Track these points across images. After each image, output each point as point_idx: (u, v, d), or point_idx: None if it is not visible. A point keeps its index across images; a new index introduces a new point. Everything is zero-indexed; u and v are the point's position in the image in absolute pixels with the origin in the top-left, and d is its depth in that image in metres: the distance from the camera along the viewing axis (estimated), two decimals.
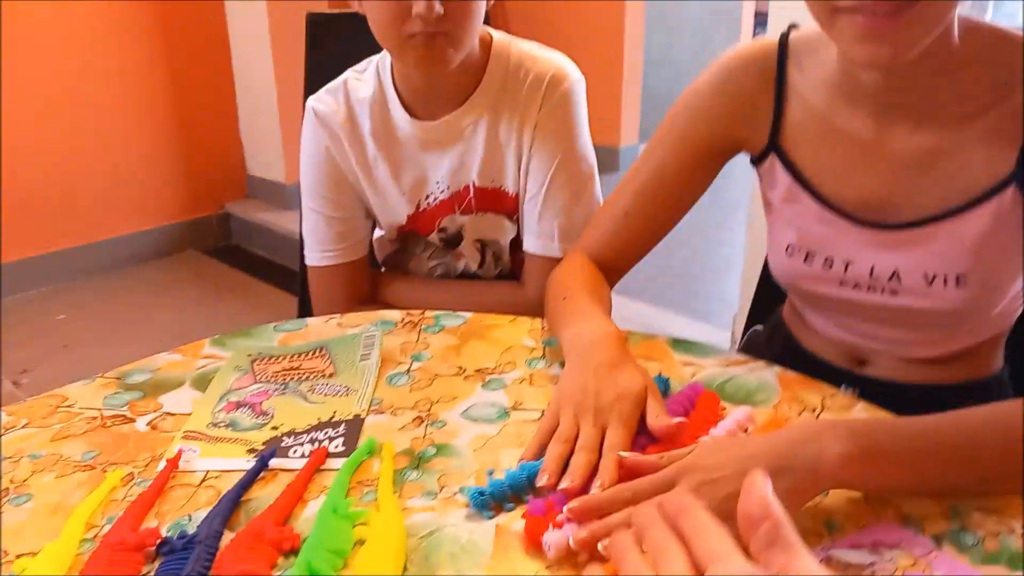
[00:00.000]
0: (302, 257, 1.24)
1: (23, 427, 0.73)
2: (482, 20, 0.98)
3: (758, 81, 0.84)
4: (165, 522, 0.61)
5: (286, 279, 2.93)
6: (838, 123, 0.81)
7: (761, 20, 4.14)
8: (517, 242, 1.13)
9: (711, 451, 0.61)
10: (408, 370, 0.83)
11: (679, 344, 0.87)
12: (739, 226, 2.30)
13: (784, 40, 0.84)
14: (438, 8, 0.90)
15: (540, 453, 0.66)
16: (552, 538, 0.56)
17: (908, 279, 0.81)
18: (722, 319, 2.43)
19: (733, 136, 0.87)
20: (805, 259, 0.86)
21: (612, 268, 0.94)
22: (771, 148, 0.85)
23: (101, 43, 2.84)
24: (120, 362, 0.83)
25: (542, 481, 0.63)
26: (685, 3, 4.07)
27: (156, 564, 0.56)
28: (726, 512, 0.40)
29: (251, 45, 3.04)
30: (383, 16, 0.94)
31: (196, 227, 3.23)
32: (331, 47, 1.30)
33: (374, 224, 1.17)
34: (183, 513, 0.62)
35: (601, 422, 0.67)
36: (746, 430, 0.69)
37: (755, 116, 0.85)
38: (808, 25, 0.79)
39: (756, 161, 0.88)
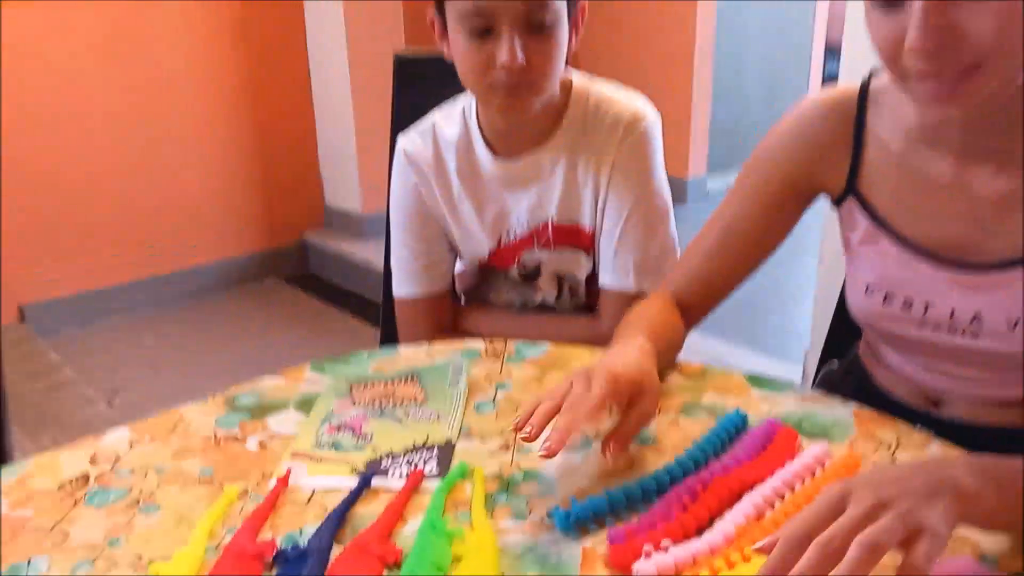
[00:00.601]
0: (386, 288, 1.31)
1: (148, 443, 0.80)
2: (563, 66, 1.04)
3: (837, 127, 0.87)
4: (279, 534, 0.66)
5: (362, 307, 3.04)
6: (918, 166, 0.83)
7: (833, 53, 4.11)
8: (593, 276, 1.17)
9: (868, 476, 0.60)
10: (493, 399, 0.87)
11: (756, 380, 0.89)
12: (809, 261, 2.30)
13: (865, 87, 0.87)
14: (520, 59, 0.95)
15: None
16: (644, 569, 0.60)
17: (990, 322, 0.82)
18: (793, 353, 2.41)
19: (812, 180, 0.90)
20: (884, 300, 0.88)
21: (695, 308, 0.97)
22: (849, 191, 0.88)
23: (185, 77, 3.00)
24: (206, 386, 0.90)
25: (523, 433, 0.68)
26: (754, 36, 4.07)
27: (274, 572, 0.61)
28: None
29: (331, 80, 3.18)
30: (469, 64, 1.00)
31: (276, 256, 3.36)
32: (417, 87, 1.37)
33: (456, 257, 1.23)
34: (294, 527, 0.67)
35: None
36: (823, 465, 0.72)
37: (834, 161, 0.88)
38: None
39: (837, 203, 0.91)
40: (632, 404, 0.73)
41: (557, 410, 0.69)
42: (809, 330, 2.22)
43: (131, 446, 0.79)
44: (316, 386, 0.90)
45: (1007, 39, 0.66)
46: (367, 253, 3.16)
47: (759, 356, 2.47)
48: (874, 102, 0.86)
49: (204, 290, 3.17)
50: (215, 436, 0.81)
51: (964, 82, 0.68)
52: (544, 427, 0.68)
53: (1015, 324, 0.81)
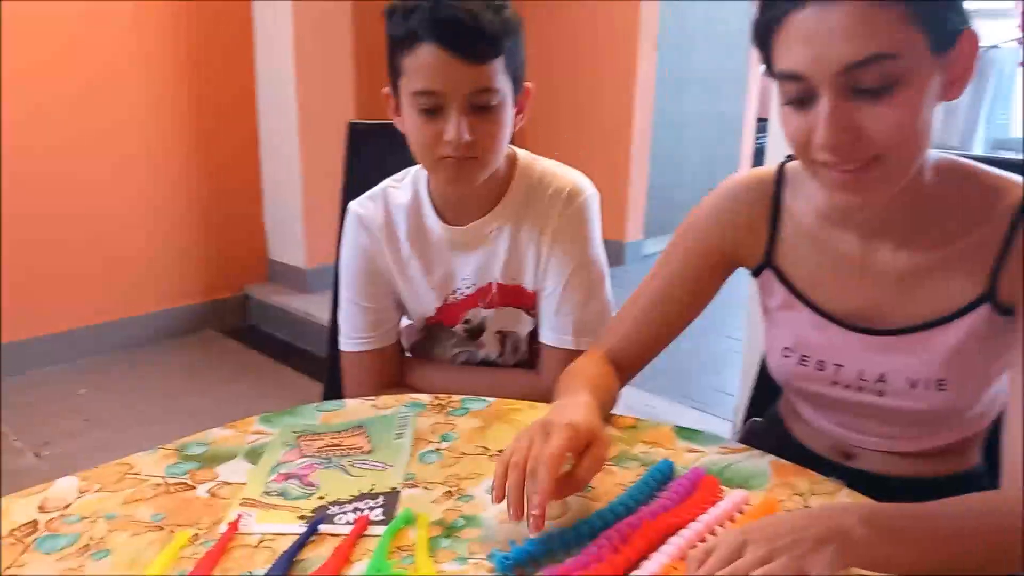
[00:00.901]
0: (332, 342, 1.34)
1: (96, 491, 0.81)
2: (508, 142, 1.11)
3: (756, 205, 0.96)
4: None
5: (303, 361, 3.03)
6: (828, 243, 0.92)
7: (763, 124, 4.35)
8: (534, 333, 1.23)
9: (765, 524, 0.67)
10: (438, 449, 0.92)
11: (684, 432, 0.95)
12: (739, 324, 2.42)
13: (782, 168, 0.96)
14: (466, 136, 1.02)
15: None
16: None
17: (893, 382, 0.91)
18: (724, 410, 2.51)
19: (734, 252, 0.98)
20: (800, 361, 0.96)
21: (627, 366, 1.03)
22: (767, 263, 0.96)
23: (131, 125, 3.02)
24: (142, 439, 0.92)
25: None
26: (691, 111, 4.30)
27: None
28: None
29: (280, 139, 3.23)
30: (419, 139, 1.06)
31: (216, 308, 3.35)
32: (369, 153, 1.43)
33: (403, 314, 1.27)
34: (244, 570, 0.70)
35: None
36: (741, 511, 0.78)
37: (753, 235, 0.96)
38: None
39: (755, 273, 0.99)
40: (584, 453, 0.78)
41: (524, 476, 0.73)
42: (739, 388, 2.31)
43: (80, 494, 0.81)
44: (264, 437, 0.93)
45: (903, 135, 0.76)
46: (310, 307, 3.18)
47: (696, 412, 2.56)
48: (790, 183, 0.95)
49: (142, 341, 3.14)
50: (165, 484, 0.83)
51: (867, 172, 0.77)
52: (521, 501, 0.72)
53: (914, 383, 0.89)
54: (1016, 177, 0.85)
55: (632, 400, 2.39)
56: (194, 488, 0.82)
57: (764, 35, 0.80)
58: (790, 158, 0.97)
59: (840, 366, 0.93)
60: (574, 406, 0.84)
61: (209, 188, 3.25)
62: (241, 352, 3.18)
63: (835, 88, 0.74)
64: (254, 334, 3.34)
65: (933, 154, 0.85)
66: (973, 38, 0.77)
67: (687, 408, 2.58)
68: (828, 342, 0.93)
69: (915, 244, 0.87)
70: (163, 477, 0.84)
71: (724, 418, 2.46)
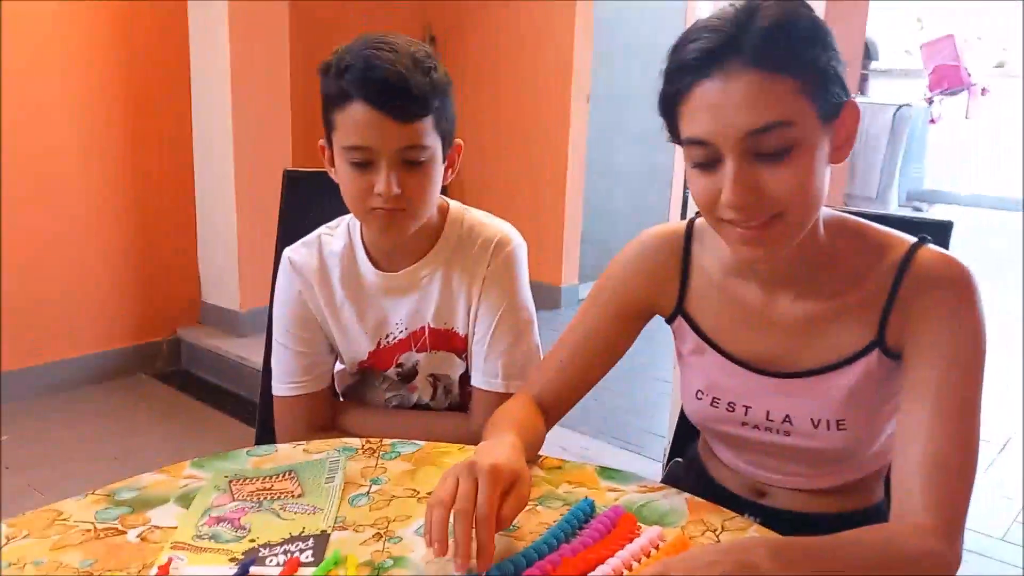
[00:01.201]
0: (264, 386, 1.36)
1: (24, 538, 0.82)
2: (438, 193, 1.16)
3: (668, 257, 1.03)
4: None
5: (235, 405, 3.00)
6: (733, 292, 0.99)
7: None
8: (465, 376, 1.27)
9: (684, 557, 0.71)
10: (368, 492, 0.94)
11: (605, 472, 1.00)
12: (669, 367, 2.51)
13: (691, 223, 1.04)
14: (395, 190, 1.07)
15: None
16: None
17: (798, 422, 0.98)
18: (655, 451, 2.58)
19: (648, 301, 1.05)
20: (712, 403, 1.02)
21: (553, 408, 1.08)
22: (679, 311, 1.03)
23: (65, 166, 2.97)
24: (69, 485, 0.92)
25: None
26: (622, 162, 4.49)
27: None
28: None
29: (216, 184, 3.23)
30: (351, 191, 1.11)
31: (146, 351, 3.29)
32: (304, 200, 1.46)
33: (336, 358, 1.30)
34: None
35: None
36: (657, 547, 0.82)
37: (665, 285, 1.03)
38: None
39: (669, 321, 1.05)
40: (507, 493, 0.81)
41: (448, 515, 0.76)
42: (668, 430, 2.38)
43: (7, 540, 0.81)
44: (196, 481, 0.94)
45: (801, 193, 0.83)
46: (243, 351, 3.15)
47: (627, 454, 2.62)
48: (698, 237, 1.02)
49: (70, 385, 3.05)
50: (95, 529, 0.83)
51: (769, 229, 0.85)
52: (446, 536, 0.75)
53: (817, 423, 0.96)
54: (899, 234, 0.94)
55: (567, 443, 2.45)
56: (124, 533, 0.83)
57: (670, 105, 0.87)
58: (699, 214, 1.05)
59: (749, 407, 0.99)
60: (499, 447, 0.88)
61: (142, 230, 3.21)
62: (172, 396, 3.13)
63: (738, 152, 0.82)
64: (185, 378, 3.28)
65: (825, 212, 0.93)
66: (854, 109, 0.86)
67: (619, 450, 2.64)
68: (737, 385, 1.00)
69: (811, 295, 0.95)
70: (92, 523, 0.85)
71: (655, 459, 2.53)
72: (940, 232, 1.12)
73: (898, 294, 0.90)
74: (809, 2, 0.86)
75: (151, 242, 3.25)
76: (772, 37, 0.80)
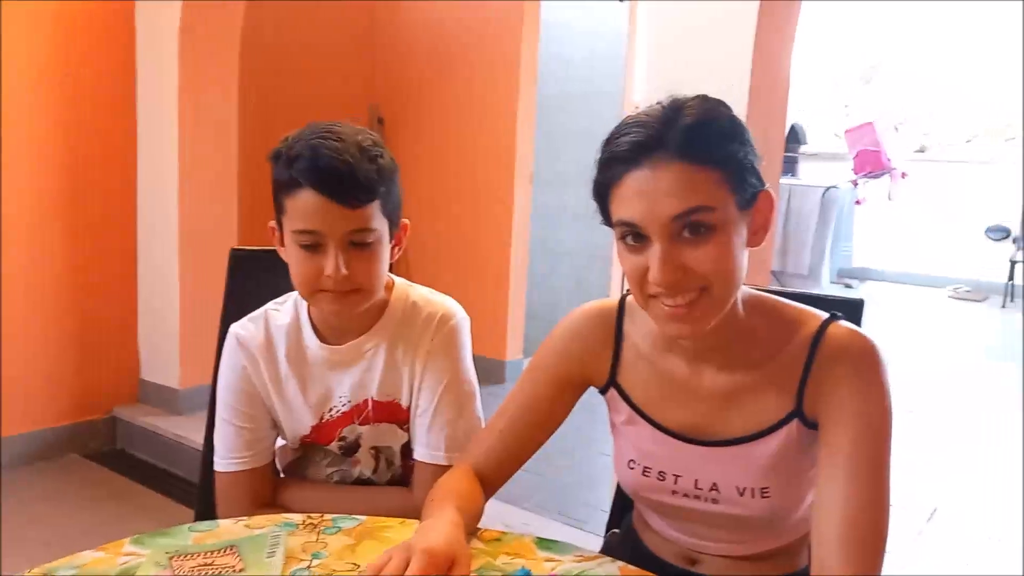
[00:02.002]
0: (205, 464, 1.36)
1: None
2: (386, 272, 1.21)
3: (600, 332, 1.09)
4: None
5: (173, 486, 2.92)
6: (662, 365, 1.05)
7: None
8: (407, 448, 1.29)
9: None
10: (308, 566, 0.95)
11: (543, 543, 1.03)
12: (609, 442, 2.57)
13: (623, 300, 1.10)
14: (343, 270, 1.11)
15: None
16: None
17: (724, 490, 1.03)
18: (598, 525, 2.59)
19: (583, 373, 1.10)
20: (643, 472, 1.07)
21: (492, 478, 1.11)
22: (611, 383, 1.08)
23: (2, 235, 2.92)
24: None
25: None
26: (565, 238, 4.63)
27: None
28: None
29: (159, 258, 3.22)
30: (300, 272, 1.15)
31: (80, 430, 3.20)
32: (249, 278, 1.49)
33: (278, 434, 1.31)
34: None
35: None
36: None
37: (598, 359, 1.09)
38: None
39: (602, 392, 1.11)
40: (447, 572, 0.84)
41: None
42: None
43: None
44: (136, 559, 0.94)
45: (722, 270, 0.91)
46: (181, 430, 3.09)
47: (570, 528, 2.62)
48: (630, 313, 1.09)
49: None
50: None
51: (694, 306, 0.91)
52: None
53: (742, 491, 1.01)
54: (812, 310, 1.01)
55: (510, 519, 2.46)
56: None
57: (603, 192, 0.94)
58: (629, 292, 1.12)
59: (679, 476, 1.04)
60: (439, 526, 0.91)
61: (81, 304, 3.16)
62: (107, 477, 3.03)
63: (665, 234, 0.89)
64: (121, 458, 3.19)
65: (744, 291, 1.00)
66: (769, 198, 0.95)
67: (562, 525, 2.64)
68: (666, 454, 1.04)
69: (733, 367, 1.01)
70: None
71: (597, 534, 2.53)
72: (853, 309, 1.20)
73: (812, 367, 0.97)
74: (731, 97, 0.95)
75: (89, 317, 3.20)
76: (696, 133, 0.88)
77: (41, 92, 2.97)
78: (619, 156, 0.91)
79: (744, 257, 0.94)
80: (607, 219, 0.96)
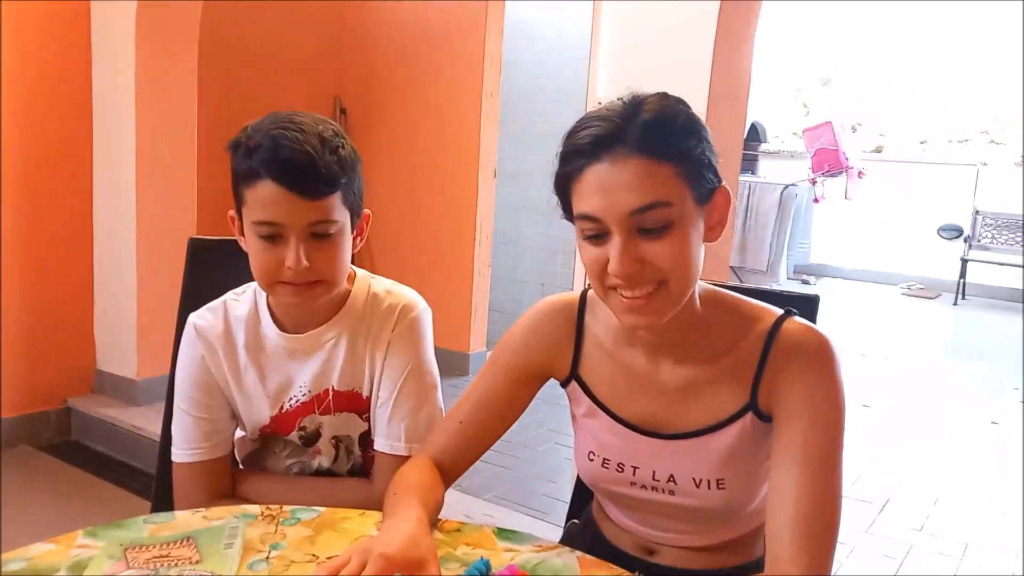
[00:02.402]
0: (162, 455, 1.34)
1: None
2: (348, 263, 1.20)
3: (562, 325, 1.10)
4: None
5: (129, 477, 2.88)
6: (621, 358, 1.06)
7: None
8: (366, 438, 1.28)
9: None
10: (267, 557, 0.95)
11: (502, 533, 1.04)
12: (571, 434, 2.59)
13: (584, 294, 1.11)
14: (304, 262, 1.10)
15: None
16: None
17: (681, 482, 1.04)
18: (559, 516, 2.61)
19: (543, 366, 1.11)
20: (603, 463, 1.08)
21: (451, 468, 1.11)
22: (572, 376, 1.09)
23: None
24: None
25: None
26: (528, 232, 4.65)
27: None
28: None
29: (116, 246, 3.16)
30: (260, 263, 1.13)
31: (33, 421, 3.13)
32: (208, 268, 1.46)
33: (237, 425, 1.30)
34: None
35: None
36: None
37: (560, 351, 1.10)
38: None
39: (563, 385, 1.12)
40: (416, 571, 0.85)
41: None
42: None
43: None
44: (89, 551, 0.93)
45: (679, 264, 0.92)
46: (139, 420, 3.04)
47: (531, 520, 2.64)
48: (591, 307, 1.10)
49: None
50: None
51: (652, 299, 0.93)
52: None
53: (699, 483, 1.03)
54: (768, 306, 1.03)
55: (471, 510, 2.46)
56: None
57: (564, 185, 0.95)
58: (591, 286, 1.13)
59: (636, 468, 1.06)
60: (402, 529, 0.91)
61: (35, 294, 3.10)
62: (61, 469, 2.97)
63: (624, 228, 0.90)
64: (76, 450, 3.14)
65: (701, 286, 1.02)
66: (726, 194, 0.96)
67: (524, 516, 2.66)
68: (625, 446, 1.06)
69: (690, 361, 1.03)
70: None
71: (557, 524, 2.55)
72: (809, 305, 1.23)
73: (767, 361, 0.99)
74: (693, 96, 0.97)
75: (45, 307, 3.13)
76: (655, 128, 0.90)
77: None
78: (580, 149, 0.92)
79: (701, 252, 0.95)
80: (568, 213, 0.97)
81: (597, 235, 0.93)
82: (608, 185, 0.90)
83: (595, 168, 0.91)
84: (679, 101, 0.94)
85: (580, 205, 0.93)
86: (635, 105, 0.91)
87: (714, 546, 1.11)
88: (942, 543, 2.66)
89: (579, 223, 0.94)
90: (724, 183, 0.96)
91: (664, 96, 0.94)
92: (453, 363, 3.88)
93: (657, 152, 0.89)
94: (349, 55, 4.16)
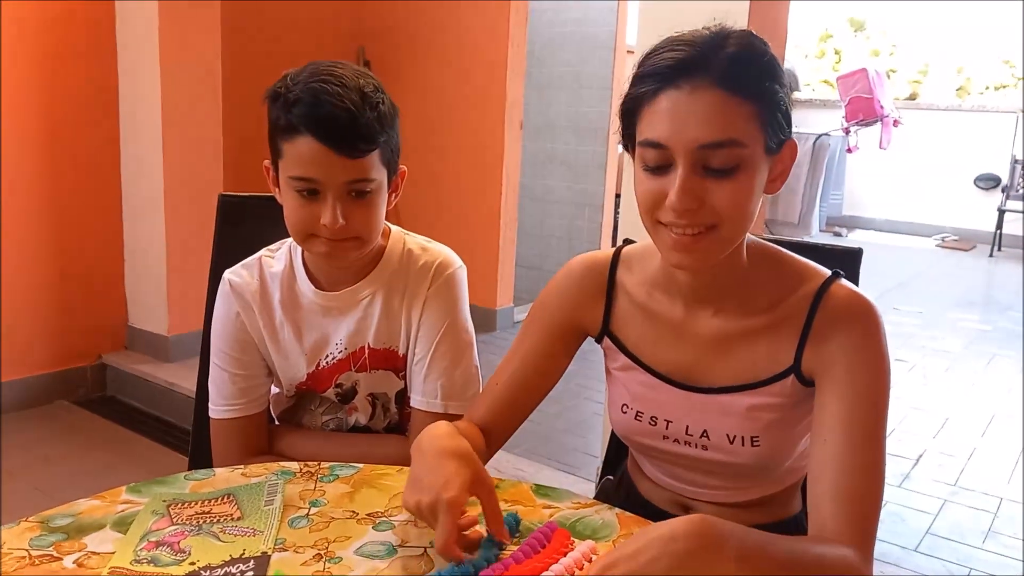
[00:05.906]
0: (198, 411, 1.35)
1: None
2: (383, 221, 1.19)
3: (594, 282, 1.08)
4: None
5: (164, 432, 2.93)
6: (656, 310, 1.04)
7: (619, 202, 4.63)
8: (402, 396, 1.29)
9: (628, 543, 0.75)
10: (307, 514, 0.95)
11: (540, 490, 1.04)
12: (601, 389, 2.58)
13: (618, 251, 1.09)
14: (340, 221, 1.09)
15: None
16: None
17: (714, 437, 1.03)
18: (589, 471, 2.63)
19: (578, 323, 1.10)
20: (636, 416, 1.07)
21: (496, 433, 1.11)
22: (605, 332, 1.08)
23: None
24: None
25: None
26: (555, 186, 4.60)
27: None
28: None
29: (145, 203, 3.18)
30: (296, 218, 1.12)
31: (69, 377, 3.19)
32: (239, 225, 1.46)
33: (273, 381, 1.30)
34: None
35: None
36: (590, 560, 0.86)
37: (593, 308, 1.08)
38: (641, 242, 1.04)
39: (598, 340, 1.10)
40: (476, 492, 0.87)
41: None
42: (599, 451, 2.43)
43: None
44: (133, 507, 0.94)
45: (738, 210, 0.89)
46: (171, 376, 3.09)
47: (563, 474, 2.66)
48: (625, 263, 1.08)
49: None
50: (29, 556, 0.83)
51: (702, 239, 0.90)
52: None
53: (732, 439, 1.02)
54: (815, 265, 1.00)
55: (502, 464, 2.48)
56: (60, 559, 0.83)
57: (632, 108, 0.92)
58: (626, 243, 1.10)
59: (669, 421, 1.04)
60: (441, 468, 0.89)
61: (66, 251, 3.13)
62: (97, 423, 3.04)
63: (689, 162, 0.87)
64: (111, 404, 3.20)
65: (748, 237, 0.99)
66: (793, 147, 0.94)
67: (555, 471, 2.67)
68: (658, 399, 1.05)
69: (729, 313, 1.00)
70: (27, 550, 0.84)
71: (588, 479, 2.57)
72: (851, 259, 1.20)
73: (812, 324, 0.96)
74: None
75: (75, 264, 3.16)
76: (741, 63, 0.86)
77: (19, 37, 2.88)
78: (658, 72, 0.88)
79: (759, 201, 0.92)
80: (629, 141, 0.93)
81: (658, 166, 0.89)
82: (682, 113, 0.86)
83: (670, 93, 0.87)
84: (764, 42, 0.91)
85: (647, 131, 0.90)
86: (722, 37, 0.88)
87: (749, 502, 1.10)
88: (976, 498, 2.64)
89: (641, 151, 0.91)
90: (792, 136, 0.93)
91: (751, 33, 0.90)
92: (480, 319, 3.83)
93: (740, 89, 0.86)
94: (372, 6, 4.09)
